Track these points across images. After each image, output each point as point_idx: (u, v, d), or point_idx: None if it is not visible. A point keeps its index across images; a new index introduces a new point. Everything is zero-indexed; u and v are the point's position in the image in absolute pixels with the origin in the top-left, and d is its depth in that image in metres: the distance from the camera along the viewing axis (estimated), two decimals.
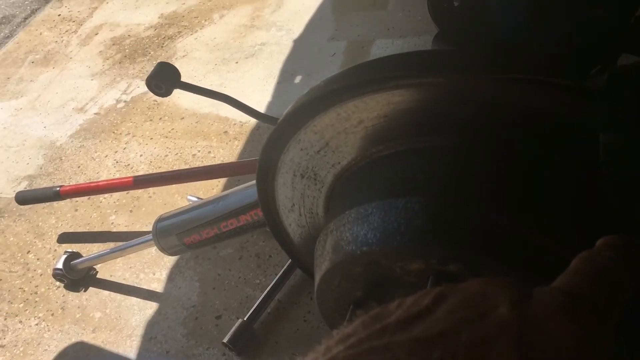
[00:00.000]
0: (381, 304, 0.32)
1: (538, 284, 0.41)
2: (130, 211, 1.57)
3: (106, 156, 1.78)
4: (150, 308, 1.33)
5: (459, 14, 0.78)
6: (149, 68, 2.03)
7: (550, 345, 0.27)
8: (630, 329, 0.37)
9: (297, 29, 2.05)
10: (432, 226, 0.47)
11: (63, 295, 1.42)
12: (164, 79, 1.17)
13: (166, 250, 1.15)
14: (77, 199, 1.62)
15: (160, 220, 1.13)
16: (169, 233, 1.11)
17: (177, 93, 1.28)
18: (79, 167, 1.77)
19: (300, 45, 1.97)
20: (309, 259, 0.76)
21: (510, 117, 0.46)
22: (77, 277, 1.41)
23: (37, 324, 1.37)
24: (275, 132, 0.57)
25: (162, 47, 2.17)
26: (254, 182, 1.04)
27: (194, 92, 1.21)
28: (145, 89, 1.95)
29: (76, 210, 1.62)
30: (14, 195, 1.63)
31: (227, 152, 1.67)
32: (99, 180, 1.63)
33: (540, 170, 0.46)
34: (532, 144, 0.46)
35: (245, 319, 1.20)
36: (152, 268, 1.41)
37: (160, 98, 1.82)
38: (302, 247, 0.73)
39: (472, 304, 0.29)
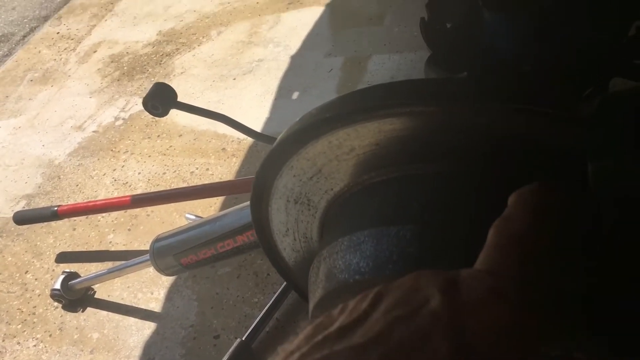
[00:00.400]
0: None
1: None
2: (129, 230, 1.57)
3: (104, 174, 1.78)
4: (148, 328, 1.33)
5: (451, 36, 0.79)
6: (147, 85, 2.04)
7: (482, 329, 0.27)
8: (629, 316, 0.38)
9: (295, 45, 2.06)
10: (424, 254, 0.46)
11: (61, 316, 1.41)
12: (161, 100, 1.17)
13: (163, 270, 1.14)
14: (75, 218, 1.62)
15: (157, 240, 1.13)
16: (166, 254, 1.11)
17: (175, 110, 1.28)
18: (77, 185, 1.77)
19: (298, 61, 1.98)
20: (303, 282, 0.75)
21: (503, 145, 0.46)
22: (75, 297, 1.40)
23: (35, 345, 1.37)
24: (268, 158, 0.57)
25: (160, 64, 2.18)
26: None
27: (190, 112, 1.21)
28: None
29: (74, 229, 1.62)
30: (12, 215, 1.63)
31: (225, 169, 1.67)
32: (97, 199, 1.62)
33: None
34: (525, 172, 0.46)
35: (243, 338, 1.19)
36: (150, 287, 1.40)
37: None
38: (297, 271, 0.73)
39: (406, 300, 0.29)
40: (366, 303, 0.30)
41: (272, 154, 0.57)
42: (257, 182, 0.61)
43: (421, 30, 0.75)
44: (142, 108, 1.97)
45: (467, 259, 0.45)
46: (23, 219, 1.56)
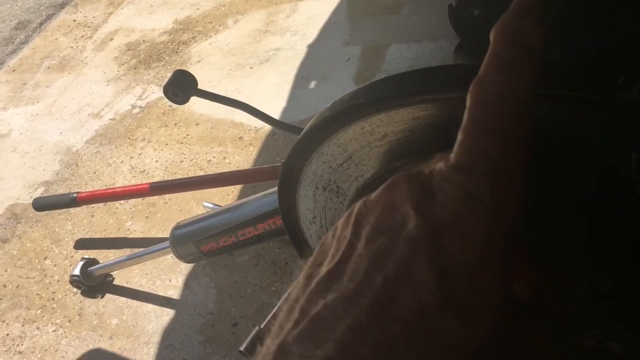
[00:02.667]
0: None
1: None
2: (147, 217, 1.58)
3: (122, 162, 1.78)
4: (166, 315, 1.33)
5: (479, 22, 0.78)
6: (164, 73, 2.04)
7: (462, 246, 0.25)
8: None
9: (312, 34, 2.04)
10: None
11: (80, 302, 1.42)
12: (181, 87, 1.16)
13: (183, 257, 1.14)
14: (93, 205, 1.63)
15: (177, 227, 1.13)
16: (186, 241, 1.11)
17: (192, 99, 1.28)
18: (94, 172, 1.77)
19: (315, 51, 1.97)
20: None
21: (539, 132, 0.45)
22: (94, 283, 1.41)
23: (54, 331, 1.38)
24: (298, 144, 0.57)
25: (176, 52, 2.18)
26: (271, 190, 1.04)
27: (211, 100, 1.20)
28: (160, 94, 1.97)
29: (92, 216, 1.63)
30: (30, 201, 1.64)
31: (242, 158, 1.67)
32: (116, 186, 1.63)
33: (571, 187, 0.46)
34: (561, 160, 0.45)
35: (262, 326, 1.19)
36: (169, 275, 1.41)
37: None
38: None
39: (384, 223, 0.27)
40: (349, 230, 0.29)
41: (302, 139, 0.56)
42: (285, 168, 0.61)
43: (449, 17, 0.74)
44: (159, 96, 1.98)
45: None
46: (42, 205, 1.57)
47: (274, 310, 1.19)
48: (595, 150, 0.45)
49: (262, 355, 0.29)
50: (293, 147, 0.59)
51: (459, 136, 0.28)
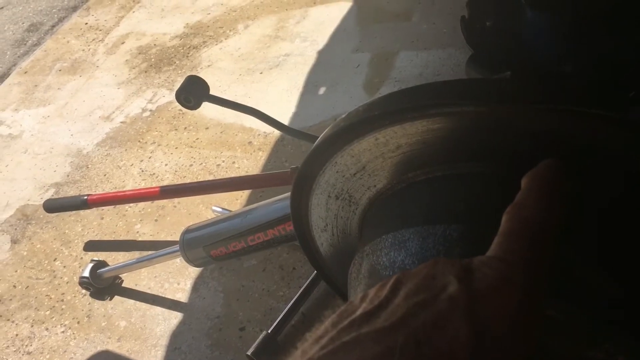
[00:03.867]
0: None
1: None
2: (156, 220, 1.59)
3: (132, 165, 1.80)
4: (174, 318, 1.34)
5: (492, 35, 0.78)
6: (175, 77, 2.06)
7: (496, 314, 0.29)
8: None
9: (322, 40, 2.06)
10: (471, 254, 0.46)
11: (89, 304, 1.43)
12: (193, 92, 1.18)
13: (192, 262, 1.15)
14: (103, 207, 1.64)
15: (187, 231, 1.14)
16: (196, 245, 1.12)
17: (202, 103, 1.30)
18: (105, 175, 1.79)
19: (325, 57, 1.98)
20: (339, 278, 0.76)
21: (554, 147, 0.46)
22: (103, 285, 1.42)
23: (63, 332, 1.39)
24: (313, 153, 0.57)
25: (187, 56, 2.19)
26: (282, 196, 1.05)
27: (222, 106, 1.22)
28: (171, 98, 1.98)
29: (102, 218, 1.64)
30: (41, 203, 1.66)
31: (252, 163, 1.68)
32: (126, 189, 1.64)
33: (583, 201, 0.46)
34: (576, 175, 0.46)
35: (269, 331, 1.20)
36: (177, 278, 1.42)
37: None
38: (333, 266, 0.73)
39: (425, 286, 0.31)
40: (386, 290, 0.32)
41: (316, 149, 0.57)
42: (299, 177, 0.61)
43: (462, 28, 0.75)
44: (169, 100, 2.00)
45: None
46: (53, 207, 1.59)
47: (279, 317, 1.20)
48: (609, 162, 0.45)
49: None
50: (308, 155, 0.59)
51: (497, 239, 0.34)
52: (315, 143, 0.57)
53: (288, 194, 1.03)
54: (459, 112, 0.47)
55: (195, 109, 1.20)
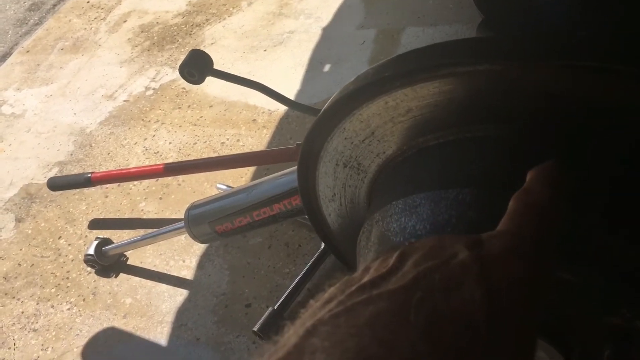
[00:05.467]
0: None
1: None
2: (160, 198, 1.58)
3: (135, 143, 1.79)
4: (180, 295, 1.34)
5: (503, 0, 0.76)
6: (178, 55, 2.04)
7: (506, 280, 0.30)
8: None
9: (326, 16, 2.03)
10: (484, 217, 0.45)
11: (94, 281, 1.43)
12: (197, 67, 1.16)
13: (198, 237, 1.15)
14: (107, 185, 1.63)
15: (192, 207, 1.13)
16: (201, 221, 1.11)
17: (206, 80, 1.28)
18: (108, 154, 1.78)
19: (329, 33, 1.96)
20: (347, 249, 0.75)
21: (571, 107, 0.44)
22: (108, 263, 1.42)
23: (68, 309, 1.39)
24: (320, 120, 0.56)
25: (190, 34, 2.17)
26: (287, 170, 1.03)
27: (226, 80, 1.20)
28: (174, 76, 1.96)
29: (106, 196, 1.63)
30: (45, 181, 1.65)
31: (256, 141, 1.66)
32: (130, 167, 1.64)
33: (599, 161, 0.45)
34: (593, 135, 0.45)
35: (275, 307, 1.20)
36: (182, 255, 1.42)
37: (189, 86, 1.83)
38: (341, 237, 0.72)
39: (434, 255, 0.31)
40: (392, 261, 0.32)
41: (324, 114, 0.55)
42: (306, 145, 0.60)
43: None
44: (173, 78, 1.98)
45: None
46: (57, 184, 1.58)
47: (284, 294, 1.20)
48: (627, 122, 0.44)
49: (292, 332, 0.30)
50: (314, 122, 0.58)
51: (504, 218, 0.36)
52: (323, 108, 0.56)
53: (293, 168, 1.02)
54: (472, 71, 0.45)
55: (199, 83, 1.18)
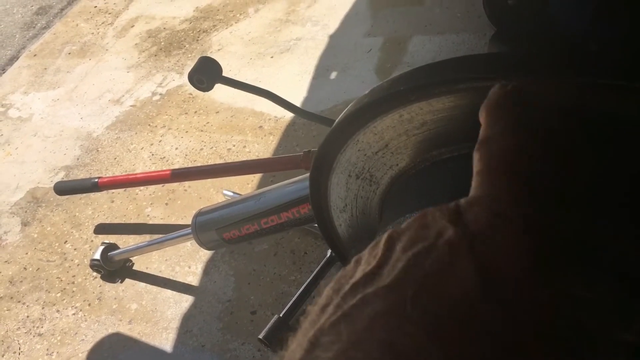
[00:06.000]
0: None
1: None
2: (166, 204, 1.58)
3: (142, 148, 1.79)
4: (185, 301, 1.34)
5: (514, 13, 0.77)
6: (184, 61, 2.05)
7: (499, 252, 0.28)
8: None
9: (333, 24, 2.04)
10: None
11: (100, 286, 1.43)
12: (206, 74, 1.16)
13: (204, 244, 1.15)
14: (114, 190, 1.64)
15: (199, 214, 1.13)
16: (209, 228, 1.11)
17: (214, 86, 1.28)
18: (115, 158, 1.78)
19: (336, 41, 1.96)
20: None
21: (587, 122, 0.45)
22: (114, 268, 1.42)
23: (74, 314, 1.39)
24: (334, 131, 0.56)
25: (197, 40, 2.18)
26: (295, 178, 1.03)
27: (235, 87, 1.20)
28: (181, 81, 1.97)
29: (112, 201, 1.63)
30: (51, 185, 1.65)
31: (262, 147, 1.67)
32: (137, 172, 1.64)
33: (618, 178, 0.45)
34: (609, 151, 0.45)
35: (280, 315, 1.20)
36: (188, 261, 1.42)
37: (196, 91, 1.83)
38: (351, 248, 0.72)
39: (419, 237, 0.30)
40: (380, 249, 0.31)
41: (338, 126, 0.55)
42: (319, 155, 0.60)
43: (484, 6, 0.73)
44: (180, 84, 1.98)
45: None
46: (64, 189, 1.58)
47: (290, 302, 1.20)
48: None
49: (296, 345, 0.30)
50: (329, 133, 0.58)
51: (476, 179, 0.32)
52: (337, 119, 0.56)
53: (302, 176, 1.02)
54: (488, 86, 0.46)
55: (208, 90, 1.19)
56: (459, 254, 0.28)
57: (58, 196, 1.65)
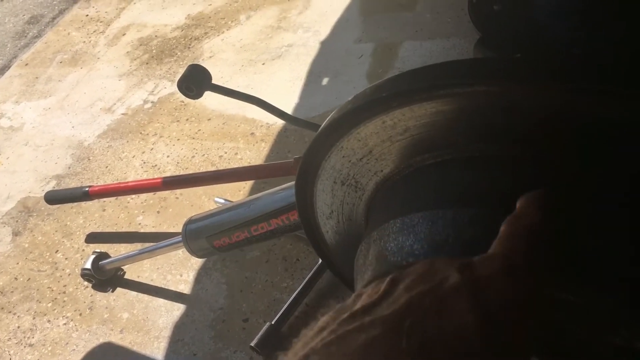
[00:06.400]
0: None
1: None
2: (158, 212, 1.58)
3: (133, 156, 1.78)
4: (177, 310, 1.33)
5: (500, 18, 0.77)
6: (176, 69, 2.04)
7: (498, 301, 0.30)
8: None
9: (324, 30, 2.04)
10: (482, 238, 0.45)
11: (91, 295, 1.42)
12: (195, 82, 1.16)
13: (195, 252, 1.14)
14: (105, 199, 1.63)
15: (190, 222, 1.13)
16: (199, 236, 1.10)
17: (204, 94, 1.28)
18: (106, 167, 1.78)
19: (327, 47, 1.97)
20: (344, 265, 0.75)
21: (567, 126, 0.45)
22: (105, 277, 1.41)
23: (65, 324, 1.38)
24: (318, 138, 0.56)
25: (188, 48, 2.18)
26: (285, 185, 1.03)
27: (225, 95, 1.20)
28: (172, 89, 1.97)
29: (104, 210, 1.63)
30: (42, 195, 1.65)
31: (254, 154, 1.66)
32: (128, 180, 1.63)
33: (601, 183, 0.45)
34: (591, 156, 0.45)
35: (272, 322, 1.19)
36: (180, 269, 1.41)
37: (188, 99, 1.83)
38: (338, 254, 0.72)
39: (425, 279, 0.32)
40: (383, 286, 0.32)
41: (322, 133, 0.55)
42: (304, 162, 0.60)
43: (469, 12, 0.74)
44: (171, 91, 1.98)
45: None
46: (54, 198, 1.58)
47: (282, 309, 1.19)
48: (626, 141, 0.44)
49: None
50: (313, 140, 0.58)
51: (496, 242, 0.36)
52: (321, 126, 0.56)
53: (291, 183, 1.02)
54: (470, 92, 0.46)
55: (197, 98, 1.18)
56: (461, 297, 0.30)
57: (49, 205, 1.64)
